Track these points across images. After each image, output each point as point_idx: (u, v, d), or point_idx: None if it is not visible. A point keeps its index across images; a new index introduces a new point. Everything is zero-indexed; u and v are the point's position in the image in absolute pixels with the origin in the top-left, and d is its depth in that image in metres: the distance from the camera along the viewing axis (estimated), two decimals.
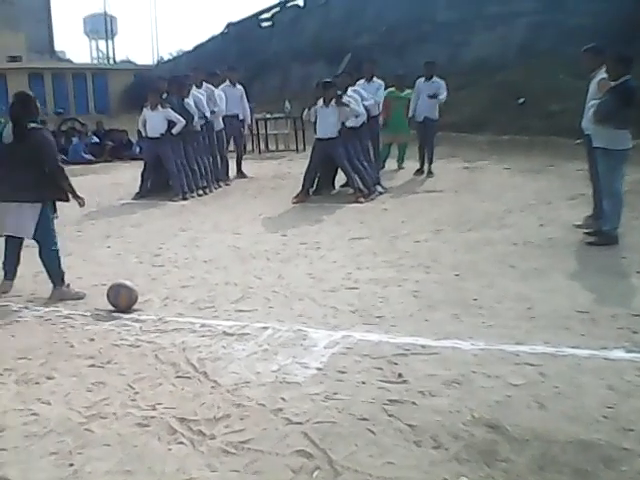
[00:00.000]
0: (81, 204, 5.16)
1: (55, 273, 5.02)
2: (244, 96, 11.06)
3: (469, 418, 3.03)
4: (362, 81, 9.85)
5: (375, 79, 10.02)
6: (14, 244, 5.07)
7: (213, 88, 10.39)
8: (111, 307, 4.67)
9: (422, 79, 10.37)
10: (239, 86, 10.99)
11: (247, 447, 2.86)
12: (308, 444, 2.86)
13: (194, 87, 9.86)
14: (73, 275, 5.55)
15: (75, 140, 14.41)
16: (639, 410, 3.09)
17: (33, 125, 4.85)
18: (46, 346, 4.05)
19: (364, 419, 3.05)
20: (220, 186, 10.35)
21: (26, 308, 4.82)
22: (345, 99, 8.66)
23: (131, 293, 4.73)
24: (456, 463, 2.70)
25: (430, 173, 10.61)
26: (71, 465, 2.75)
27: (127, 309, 4.66)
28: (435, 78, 10.31)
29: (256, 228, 7.34)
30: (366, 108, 9.14)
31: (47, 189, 4.90)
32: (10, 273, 5.13)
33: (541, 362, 3.60)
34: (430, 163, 10.66)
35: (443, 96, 10.24)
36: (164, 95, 9.53)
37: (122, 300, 4.68)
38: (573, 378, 3.42)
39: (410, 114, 10.51)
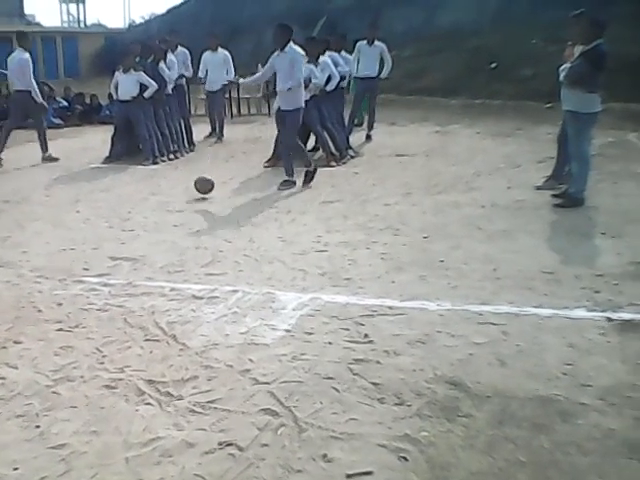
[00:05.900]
0: None
1: None
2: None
3: (432, 376, 3.10)
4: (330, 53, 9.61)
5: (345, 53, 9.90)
6: None
7: (188, 52, 10.26)
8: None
9: (364, 42, 10.13)
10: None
11: (214, 407, 2.91)
12: (274, 403, 2.91)
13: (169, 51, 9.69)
14: (42, 240, 5.51)
15: None
16: (598, 367, 3.18)
17: None
18: (13, 311, 4.02)
19: (329, 378, 3.11)
20: (192, 150, 10.25)
21: None
22: (320, 63, 8.56)
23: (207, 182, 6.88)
24: (418, 419, 2.77)
25: (369, 137, 10.54)
26: (37, 427, 2.77)
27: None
28: (377, 42, 10.15)
29: (227, 192, 7.30)
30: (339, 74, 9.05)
31: None
32: None
33: (504, 321, 3.69)
34: (371, 128, 10.60)
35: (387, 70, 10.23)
36: (137, 59, 9.36)
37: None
38: (535, 337, 3.50)
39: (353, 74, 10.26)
